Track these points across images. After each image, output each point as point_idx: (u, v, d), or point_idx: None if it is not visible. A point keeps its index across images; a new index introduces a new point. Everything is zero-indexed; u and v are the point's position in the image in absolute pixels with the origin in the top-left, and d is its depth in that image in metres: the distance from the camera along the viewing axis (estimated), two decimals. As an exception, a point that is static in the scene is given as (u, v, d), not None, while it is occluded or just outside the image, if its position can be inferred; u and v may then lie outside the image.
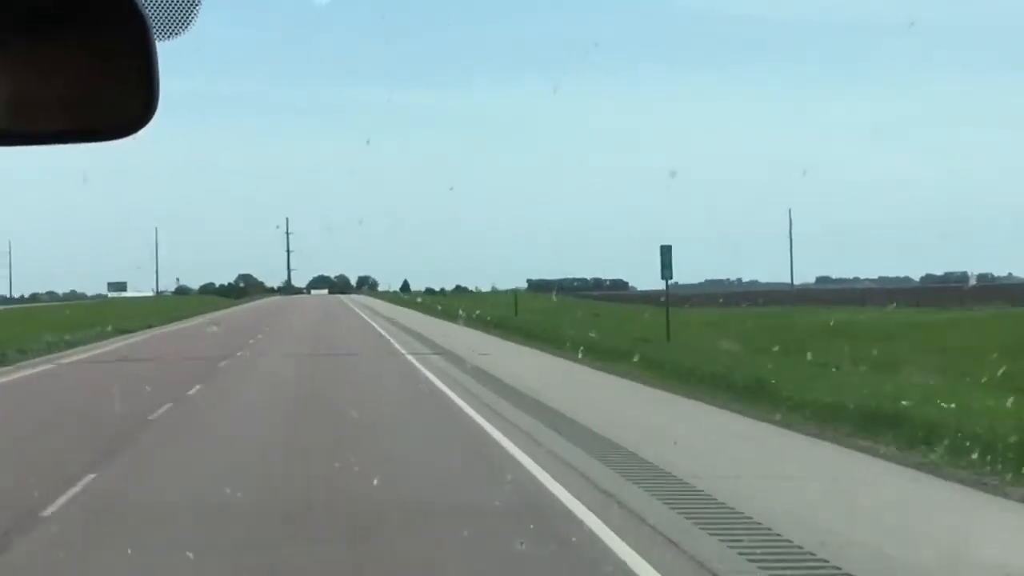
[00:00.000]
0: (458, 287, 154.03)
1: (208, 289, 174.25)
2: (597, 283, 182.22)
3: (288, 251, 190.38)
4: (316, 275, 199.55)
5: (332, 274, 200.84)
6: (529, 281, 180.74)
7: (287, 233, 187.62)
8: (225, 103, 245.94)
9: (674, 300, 42.63)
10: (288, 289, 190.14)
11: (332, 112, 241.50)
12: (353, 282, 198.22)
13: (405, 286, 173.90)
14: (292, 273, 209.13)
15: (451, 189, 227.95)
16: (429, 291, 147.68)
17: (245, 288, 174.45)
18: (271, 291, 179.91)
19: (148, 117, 2.27)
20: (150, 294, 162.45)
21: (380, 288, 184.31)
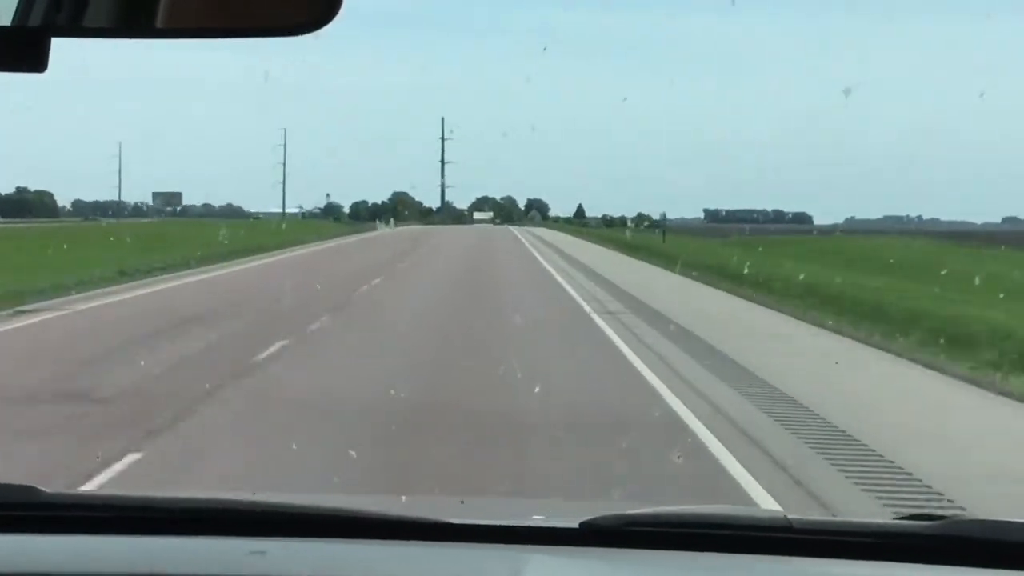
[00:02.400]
0: (640, 215, 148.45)
1: (360, 208, 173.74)
2: (778, 215, 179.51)
3: (443, 162, 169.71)
4: (479, 196, 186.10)
5: (498, 195, 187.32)
6: (705, 211, 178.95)
7: (442, 139, 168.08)
8: (400, 20, 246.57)
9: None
10: (446, 212, 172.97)
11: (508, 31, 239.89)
12: (521, 205, 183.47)
13: (579, 212, 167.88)
14: (451, 192, 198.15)
15: (624, 100, 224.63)
16: (608, 221, 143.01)
17: (397, 209, 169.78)
18: (428, 212, 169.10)
19: (334, 13, 2.33)
20: (295, 212, 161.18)
21: (551, 213, 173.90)
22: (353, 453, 11.49)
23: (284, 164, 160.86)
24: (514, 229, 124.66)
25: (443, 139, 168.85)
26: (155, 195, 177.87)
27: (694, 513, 2.81)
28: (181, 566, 2.62)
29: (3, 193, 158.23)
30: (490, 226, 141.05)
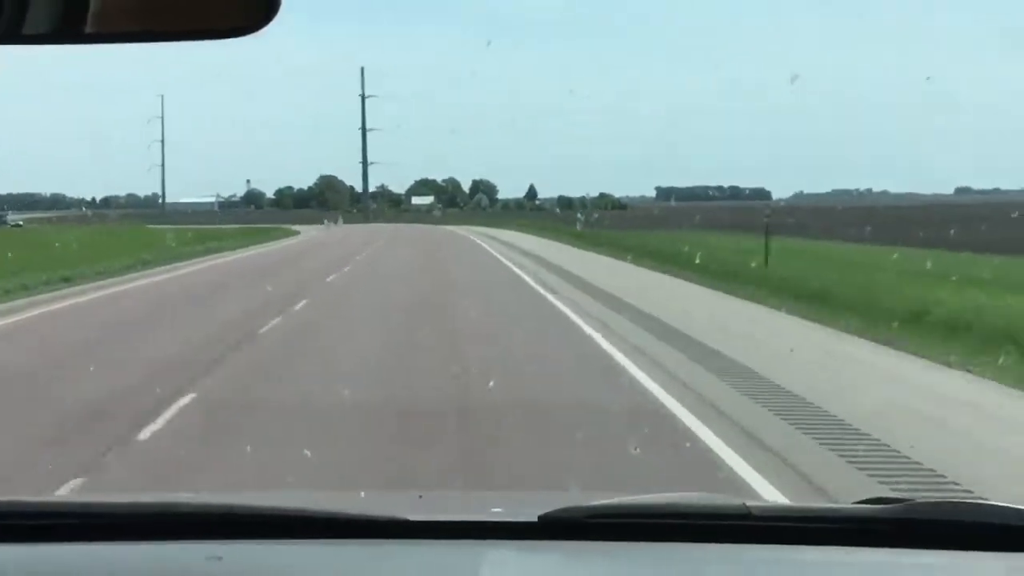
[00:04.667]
0: (602, 195, 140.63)
1: (285, 195, 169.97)
2: (735, 192, 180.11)
3: (364, 130, 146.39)
4: (419, 178, 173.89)
5: (439, 177, 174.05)
6: (658, 189, 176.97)
7: (362, 96, 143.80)
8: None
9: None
10: (382, 198, 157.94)
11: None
12: (466, 187, 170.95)
13: (531, 193, 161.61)
14: (388, 175, 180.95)
15: (571, 92, 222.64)
16: (565, 202, 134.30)
17: (324, 195, 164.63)
18: (358, 199, 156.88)
19: (272, 15, 2.41)
20: (210, 200, 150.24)
21: (499, 196, 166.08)
22: None
23: (162, 141, 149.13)
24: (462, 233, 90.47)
25: (363, 96, 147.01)
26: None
27: (652, 504, 2.87)
28: (136, 573, 2.65)
29: None
30: (423, 230, 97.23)
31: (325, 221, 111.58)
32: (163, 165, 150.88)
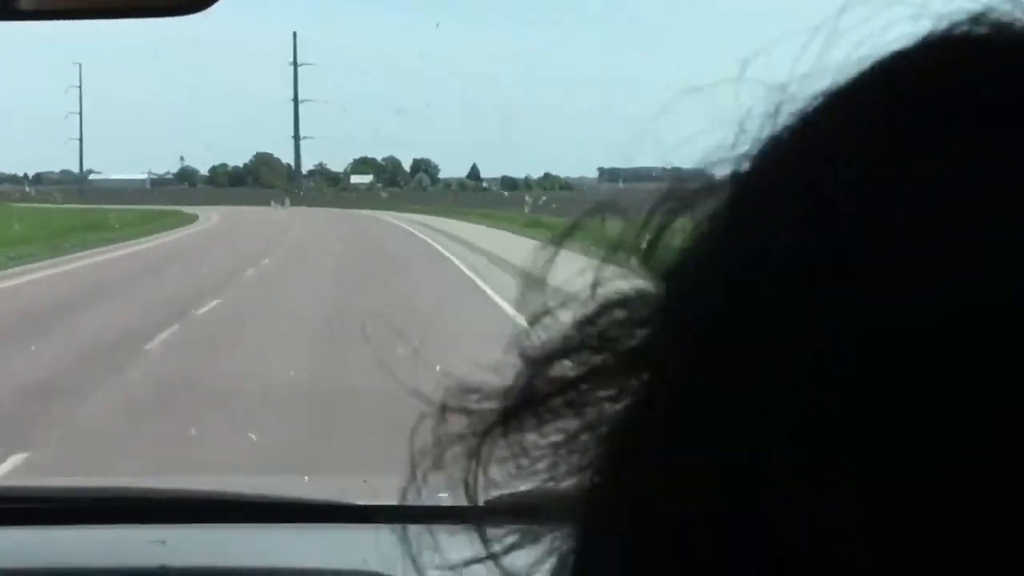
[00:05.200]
0: (547, 175, 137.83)
1: (219, 172, 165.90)
2: (678, 174, 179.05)
3: (296, 101, 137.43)
4: (359, 156, 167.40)
5: (379, 155, 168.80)
6: (600, 170, 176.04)
7: (293, 65, 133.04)
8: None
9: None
10: (319, 176, 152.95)
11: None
12: (407, 166, 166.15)
13: (474, 172, 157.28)
14: (325, 152, 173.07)
15: (511, 68, 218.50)
16: (510, 183, 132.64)
17: (260, 172, 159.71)
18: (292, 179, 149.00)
19: None
20: (142, 178, 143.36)
21: (441, 175, 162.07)
22: None
23: (80, 114, 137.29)
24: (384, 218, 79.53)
25: (295, 64, 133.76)
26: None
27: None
28: (79, 558, 2.65)
29: None
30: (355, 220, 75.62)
31: (272, 203, 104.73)
32: (81, 139, 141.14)
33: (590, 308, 0.48)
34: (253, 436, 10.74)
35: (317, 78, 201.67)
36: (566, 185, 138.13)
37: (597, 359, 0.47)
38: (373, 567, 2.56)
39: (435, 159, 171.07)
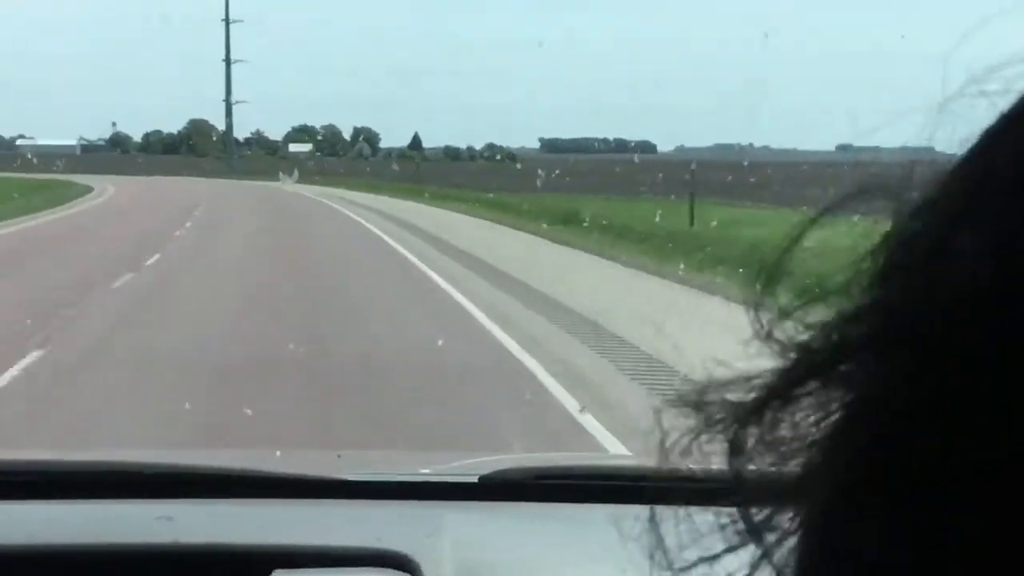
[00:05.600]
0: (490, 146, 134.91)
1: (152, 139, 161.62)
2: (620, 144, 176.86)
3: (228, 61, 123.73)
4: (297, 124, 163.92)
5: (318, 123, 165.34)
6: (541, 140, 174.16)
7: (226, 20, 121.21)
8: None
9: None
10: (256, 145, 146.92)
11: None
12: (347, 136, 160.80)
13: (416, 142, 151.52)
14: (263, 119, 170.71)
15: (454, 36, 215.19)
16: (452, 153, 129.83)
17: (193, 140, 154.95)
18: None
19: None
20: (72, 144, 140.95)
21: (382, 144, 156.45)
22: None
23: None
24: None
25: (227, 20, 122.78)
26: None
27: (594, 465, 3.22)
28: (88, 534, 2.65)
29: None
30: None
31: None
32: None
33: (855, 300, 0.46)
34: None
35: (251, 39, 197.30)
36: (511, 156, 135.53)
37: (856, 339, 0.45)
38: (388, 545, 2.50)
39: (377, 128, 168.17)
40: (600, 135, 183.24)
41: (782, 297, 0.55)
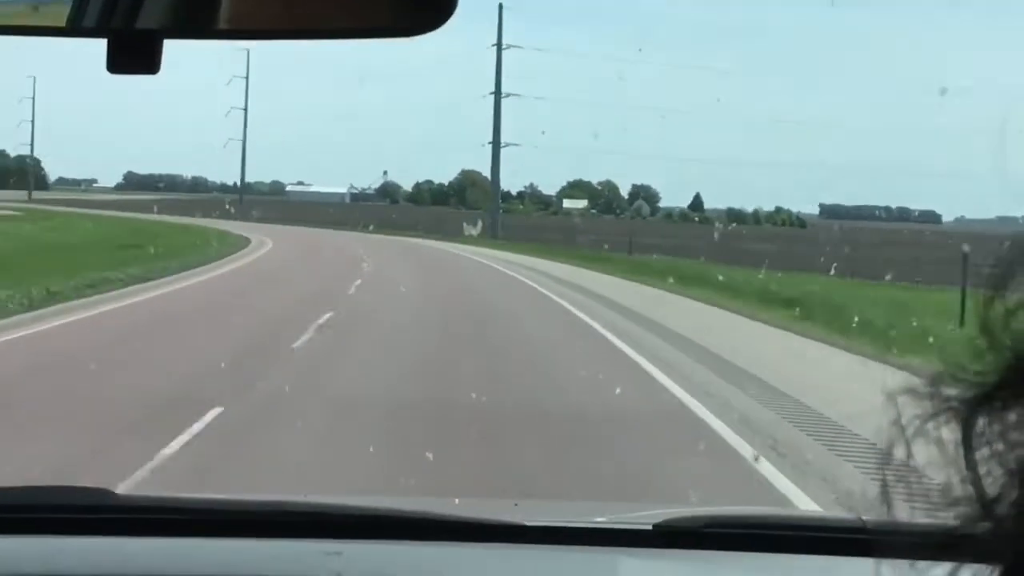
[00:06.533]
0: (779, 209, 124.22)
1: (423, 190, 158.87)
2: (903, 213, 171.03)
3: (497, 92, 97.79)
4: (572, 179, 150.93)
5: (595, 179, 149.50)
6: (821, 206, 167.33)
7: (496, 46, 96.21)
8: None
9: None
10: (523, 201, 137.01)
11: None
12: (624, 192, 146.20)
13: (696, 203, 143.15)
14: (533, 174, 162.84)
15: (718, 100, 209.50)
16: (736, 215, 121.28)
17: (466, 193, 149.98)
18: (506, 197, 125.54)
19: (450, 12, 2.20)
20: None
21: (661, 204, 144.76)
22: None
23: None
24: None
25: (498, 44, 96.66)
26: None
27: (767, 515, 3.14)
28: (259, 567, 2.73)
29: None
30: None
31: (464, 224, 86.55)
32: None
33: None
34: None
35: (528, 108, 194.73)
36: (800, 222, 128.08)
37: None
38: None
39: (656, 186, 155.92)
40: (882, 203, 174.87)
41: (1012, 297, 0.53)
